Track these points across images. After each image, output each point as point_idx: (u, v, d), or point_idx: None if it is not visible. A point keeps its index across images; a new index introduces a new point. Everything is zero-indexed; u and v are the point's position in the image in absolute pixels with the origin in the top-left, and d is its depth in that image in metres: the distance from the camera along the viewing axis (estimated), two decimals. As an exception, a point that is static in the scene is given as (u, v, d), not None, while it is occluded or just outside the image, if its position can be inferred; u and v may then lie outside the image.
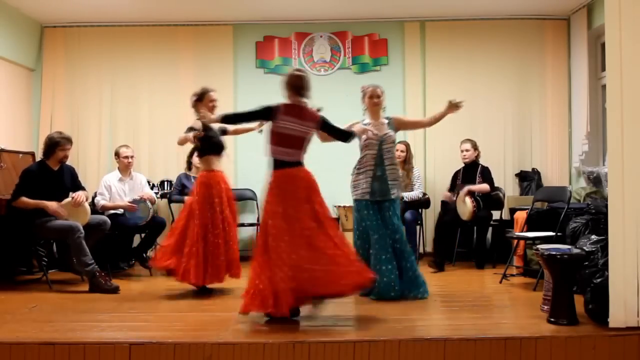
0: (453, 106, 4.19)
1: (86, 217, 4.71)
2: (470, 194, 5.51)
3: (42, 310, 3.87)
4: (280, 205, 3.51)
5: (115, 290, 4.46)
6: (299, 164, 3.64)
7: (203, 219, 4.28)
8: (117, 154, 5.49)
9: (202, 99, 4.47)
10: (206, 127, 4.28)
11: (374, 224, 4.18)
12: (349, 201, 6.24)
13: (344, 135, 3.92)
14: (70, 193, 4.76)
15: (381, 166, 4.22)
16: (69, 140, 4.80)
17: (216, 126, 4.38)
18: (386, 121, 4.33)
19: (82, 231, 4.54)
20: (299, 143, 3.62)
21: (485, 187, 5.62)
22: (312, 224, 3.49)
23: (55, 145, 4.72)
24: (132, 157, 5.49)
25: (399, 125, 4.41)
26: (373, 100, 4.29)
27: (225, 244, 4.33)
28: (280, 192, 3.55)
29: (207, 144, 4.40)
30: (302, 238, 3.46)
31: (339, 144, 4.96)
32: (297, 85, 3.64)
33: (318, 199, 3.60)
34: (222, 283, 4.39)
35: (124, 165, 5.44)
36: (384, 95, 4.35)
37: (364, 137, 4.18)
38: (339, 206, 6.21)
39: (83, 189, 4.95)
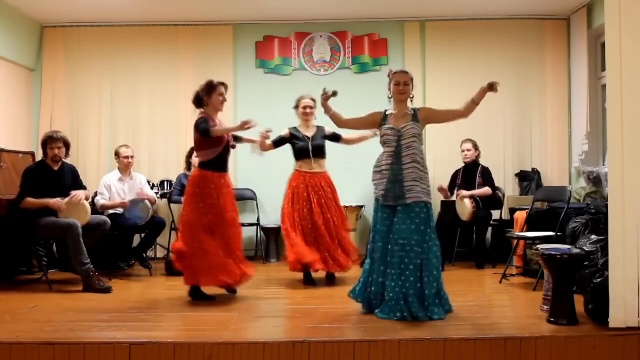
0: (490, 88, 3.56)
1: (87, 217, 4.71)
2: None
3: (42, 310, 3.86)
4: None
5: (107, 290, 4.46)
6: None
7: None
8: (117, 154, 5.50)
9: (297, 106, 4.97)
10: (292, 135, 4.81)
11: (382, 229, 3.68)
12: (349, 201, 6.30)
13: (203, 133, 4.07)
14: (71, 192, 4.76)
15: (398, 165, 3.66)
16: (58, 139, 4.75)
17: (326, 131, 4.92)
18: (411, 113, 3.74)
19: (80, 229, 4.54)
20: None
21: (487, 191, 5.61)
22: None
23: (45, 143, 4.76)
24: (132, 157, 5.49)
25: (426, 117, 3.76)
26: (399, 88, 3.72)
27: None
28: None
29: (294, 150, 4.89)
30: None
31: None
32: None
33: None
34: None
35: (124, 165, 5.44)
36: (413, 84, 3.79)
37: (382, 132, 3.73)
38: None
39: (85, 188, 4.96)
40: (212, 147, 4.08)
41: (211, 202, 4.07)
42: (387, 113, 3.81)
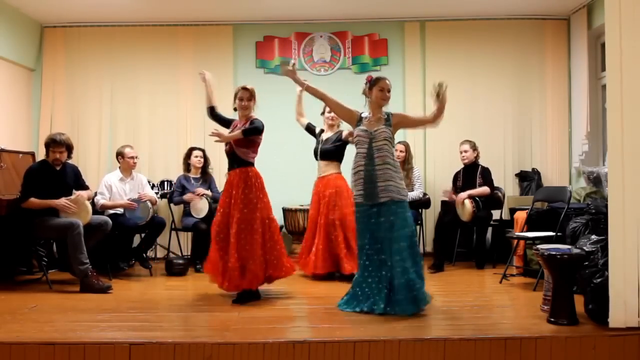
0: (438, 96, 3.83)
1: (87, 217, 4.72)
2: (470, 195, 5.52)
3: (42, 310, 3.86)
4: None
5: (106, 289, 4.46)
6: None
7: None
8: (121, 155, 5.42)
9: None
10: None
11: (361, 227, 3.88)
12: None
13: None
14: (74, 191, 4.77)
15: (371, 166, 3.81)
16: (61, 143, 4.68)
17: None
18: (385, 117, 3.91)
19: (82, 228, 4.54)
20: None
21: (485, 190, 5.60)
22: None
23: (47, 146, 4.75)
24: (136, 157, 5.50)
25: (398, 122, 3.94)
26: (385, 94, 3.88)
27: None
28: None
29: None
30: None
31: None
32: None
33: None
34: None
35: (129, 166, 5.42)
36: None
37: (355, 133, 3.91)
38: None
39: (87, 188, 4.97)
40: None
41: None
42: (362, 116, 3.96)
